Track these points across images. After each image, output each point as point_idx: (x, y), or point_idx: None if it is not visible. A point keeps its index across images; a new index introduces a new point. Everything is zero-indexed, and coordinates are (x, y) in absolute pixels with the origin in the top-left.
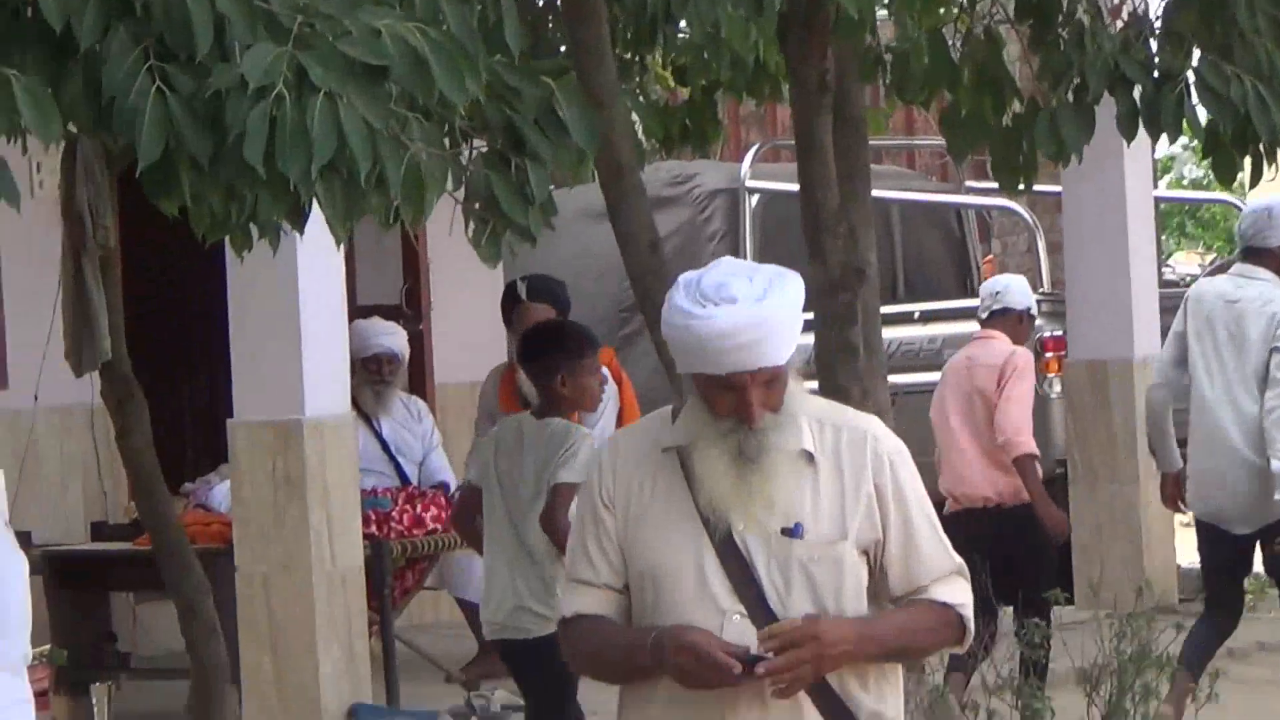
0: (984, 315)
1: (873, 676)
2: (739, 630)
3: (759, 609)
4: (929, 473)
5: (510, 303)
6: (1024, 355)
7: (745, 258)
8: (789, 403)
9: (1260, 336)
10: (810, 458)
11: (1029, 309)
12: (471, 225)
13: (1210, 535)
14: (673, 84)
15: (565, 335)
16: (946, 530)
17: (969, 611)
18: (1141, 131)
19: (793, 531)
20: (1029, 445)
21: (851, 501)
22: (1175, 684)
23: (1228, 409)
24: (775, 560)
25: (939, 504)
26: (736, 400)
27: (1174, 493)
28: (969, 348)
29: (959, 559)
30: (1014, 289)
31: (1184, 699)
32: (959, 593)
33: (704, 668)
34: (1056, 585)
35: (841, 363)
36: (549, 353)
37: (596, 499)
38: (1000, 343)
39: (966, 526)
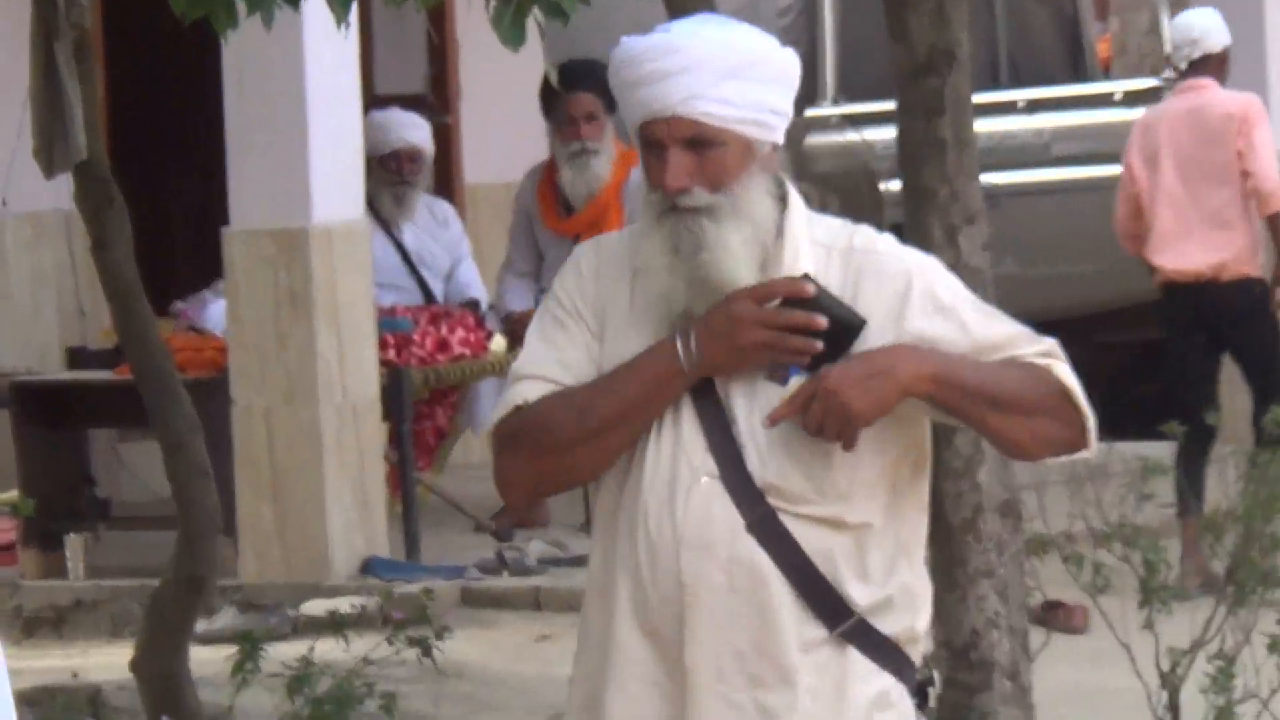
0: (1183, 66)
1: (876, 561)
2: (707, 495)
3: (733, 471)
4: (1026, 286)
5: (549, 92)
6: (1258, 101)
7: (824, 37)
8: (748, 195)
9: None
10: (810, 281)
11: (1227, 46)
12: (491, 1)
13: None
14: None
15: None
16: (1158, 308)
17: (1077, 390)
18: None
19: (786, 377)
20: None
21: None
22: None
23: None
24: (759, 412)
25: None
26: (659, 162)
27: None
28: (1181, 99)
29: (1050, 339)
30: (1212, 29)
31: None
32: (1056, 367)
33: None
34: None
35: (927, 159)
36: None
37: (573, 303)
38: (1217, 90)
39: (1181, 303)
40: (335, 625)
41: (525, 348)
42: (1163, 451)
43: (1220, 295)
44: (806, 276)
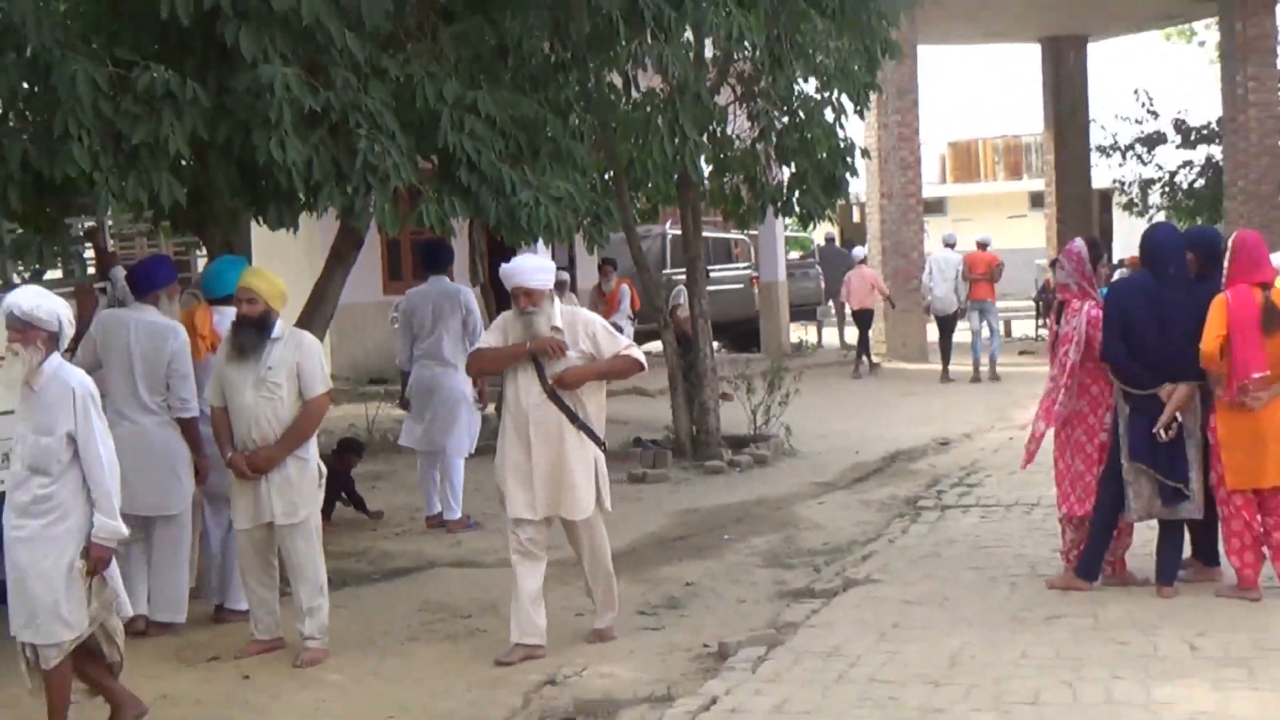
0: (858, 261)
1: (587, 393)
2: (539, 392)
3: (544, 385)
4: (714, 314)
5: (603, 264)
6: (874, 273)
7: (666, 256)
8: (544, 308)
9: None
10: (559, 330)
11: (862, 259)
12: (582, 242)
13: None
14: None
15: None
16: (853, 317)
17: (639, 356)
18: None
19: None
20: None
21: (578, 343)
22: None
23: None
24: (549, 365)
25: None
26: (520, 299)
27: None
28: (859, 270)
29: (626, 340)
30: (857, 251)
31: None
32: (631, 351)
33: (551, 346)
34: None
35: (692, 282)
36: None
37: (500, 327)
38: (870, 269)
39: (858, 316)
40: None
41: (485, 336)
42: (757, 359)
43: (864, 313)
44: (556, 328)
